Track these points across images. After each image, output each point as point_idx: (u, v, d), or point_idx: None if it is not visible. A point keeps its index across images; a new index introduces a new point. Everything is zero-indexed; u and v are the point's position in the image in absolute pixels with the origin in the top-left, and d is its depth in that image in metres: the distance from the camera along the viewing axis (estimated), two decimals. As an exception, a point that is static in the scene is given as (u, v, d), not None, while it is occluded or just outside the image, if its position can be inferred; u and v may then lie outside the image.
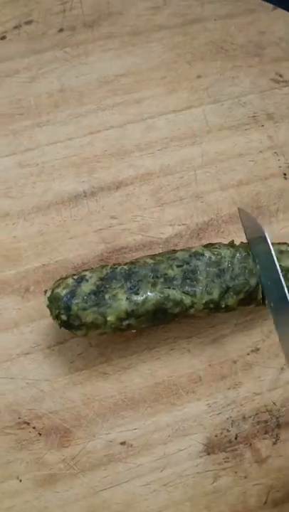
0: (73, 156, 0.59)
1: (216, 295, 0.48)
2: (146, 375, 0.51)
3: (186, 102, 0.62)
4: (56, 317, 0.47)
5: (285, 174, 0.60)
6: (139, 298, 0.47)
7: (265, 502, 0.48)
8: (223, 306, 0.48)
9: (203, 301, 0.48)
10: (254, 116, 0.62)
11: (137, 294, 0.47)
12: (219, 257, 0.49)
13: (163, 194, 0.58)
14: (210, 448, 0.49)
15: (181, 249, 0.51)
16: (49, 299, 0.47)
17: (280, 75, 0.64)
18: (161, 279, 0.48)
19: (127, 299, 0.47)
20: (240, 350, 0.52)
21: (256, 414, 0.50)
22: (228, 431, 0.50)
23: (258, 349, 0.52)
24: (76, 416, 0.50)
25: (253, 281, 0.48)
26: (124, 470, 0.48)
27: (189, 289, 0.48)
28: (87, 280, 0.48)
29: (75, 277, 0.48)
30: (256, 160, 0.60)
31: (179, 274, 0.48)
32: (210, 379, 0.51)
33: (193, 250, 0.50)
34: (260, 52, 0.65)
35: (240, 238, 0.55)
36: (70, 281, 0.47)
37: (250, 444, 0.50)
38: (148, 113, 0.61)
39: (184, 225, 0.57)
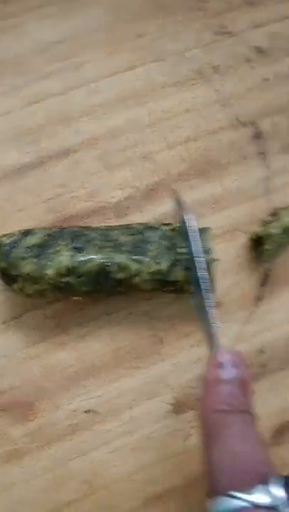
0: (16, 128, 0.57)
1: (164, 266, 0.46)
2: (106, 340, 0.50)
3: (128, 62, 0.60)
4: None
5: (234, 126, 0.58)
6: (83, 257, 0.45)
7: (237, 456, 0.47)
8: (170, 280, 0.46)
9: (150, 270, 0.46)
10: (199, 71, 0.60)
11: (80, 252, 0.46)
12: (174, 232, 0.48)
13: (110, 158, 0.57)
14: (178, 407, 0.48)
15: (139, 223, 0.49)
16: None
17: (223, 27, 0.62)
18: (110, 243, 0.46)
19: (71, 256, 0.45)
20: (201, 306, 0.51)
21: (221, 369, 0.49)
22: (194, 389, 0.48)
23: (220, 304, 0.51)
24: (38, 389, 0.48)
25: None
26: (91, 438, 0.47)
27: (137, 256, 0.46)
28: (33, 234, 0.47)
29: (23, 231, 0.47)
30: (204, 115, 0.59)
31: (129, 241, 0.47)
32: (172, 339, 0.50)
33: (150, 225, 0.49)
34: (203, 6, 0.63)
35: (191, 196, 0.53)
36: (16, 232, 0.47)
37: (218, 400, 0.48)
38: (90, 77, 0.60)
39: (133, 187, 0.55)
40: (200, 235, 0.48)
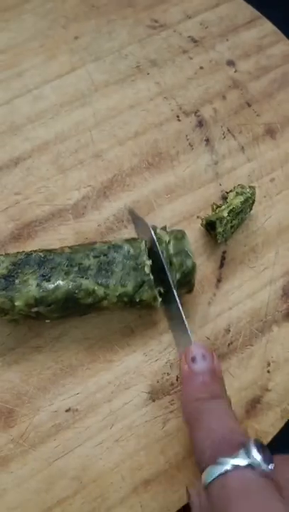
0: None
1: (130, 288, 0.47)
2: (80, 339, 0.51)
3: (68, 65, 0.61)
4: None
5: (178, 116, 0.60)
6: (50, 285, 0.46)
7: (217, 433, 0.48)
8: (137, 300, 0.47)
9: (117, 294, 0.47)
10: (138, 66, 0.62)
11: (48, 281, 0.46)
12: (138, 250, 0.48)
13: (63, 160, 0.58)
14: (154, 394, 0.49)
15: (101, 241, 0.50)
16: None
17: (156, 21, 0.63)
18: (76, 268, 0.47)
19: (38, 285, 0.46)
20: (166, 294, 0.52)
21: (192, 352, 0.50)
22: (168, 374, 0.50)
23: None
24: (17, 395, 0.49)
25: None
26: (74, 435, 0.48)
27: (103, 280, 0.47)
28: None
29: None
30: (148, 108, 0.60)
31: (94, 264, 0.47)
32: (142, 329, 0.52)
33: (113, 243, 0.49)
34: (132, 2, 0.65)
35: (145, 189, 0.55)
36: None
37: (192, 382, 0.49)
38: (32, 84, 0.61)
39: (89, 186, 0.56)
40: (178, 239, 0.50)
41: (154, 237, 0.49)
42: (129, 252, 0.48)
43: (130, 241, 0.49)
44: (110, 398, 0.49)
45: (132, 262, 0.48)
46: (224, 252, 0.54)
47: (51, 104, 0.60)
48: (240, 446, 0.34)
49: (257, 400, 0.49)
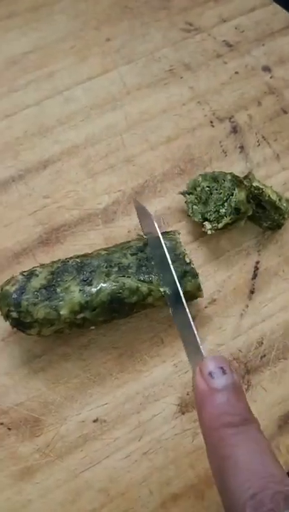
0: (-7, 143, 0.56)
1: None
2: (108, 347, 0.50)
3: (99, 67, 0.60)
4: (6, 316, 0.45)
5: (211, 122, 0.58)
6: (93, 289, 0.45)
7: (248, 449, 0.47)
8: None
9: (161, 288, 0.46)
10: (171, 70, 0.60)
11: (90, 284, 0.45)
12: (174, 242, 0.48)
13: (93, 164, 0.56)
14: (184, 407, 0.48)
15: (135, 239, 0.49)
16: None
17: (190, 24, 0.62)
18: (115, 268, 0.46)
19: (80, 290, 0.45)
20: (198, 304, 0.51)
21: (224, 364, 0.49)
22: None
23: (214, 300, 0.51)
24: (43, 403, 0.48)
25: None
26: (102, 447, 0.47)
27: (145, 277, 0.46)
28: (37, 275, 0.46)
29: (25, 273, 0.46)
30: (181, 113, 0.59)
31: (133, 262, 0.47)
32: (171, 339, 0.50)
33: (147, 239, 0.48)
34: (166, 4, 0.63)
35: (176, 195, 0.54)
36: (19, 277, 0.46)
37: (223, 395, 0.48)
38: (63, 85, 0.60)
39: (119, 191, 0.55)
40: (169, 240, 0.48)
41: (158, 229, 0.46)
42: (166, 244, 0.47)
43: (164, 234, 0.48)
44: (139, 410, 0.48)
45: (171, 254, 0.47)
46: (257, 263, 0.53)
47: (82, 106, 0.59)
48: (286, 501, 0.27)
49: (290, 416, 0.48)
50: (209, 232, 0.51)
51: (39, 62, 0.60)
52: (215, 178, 0.51)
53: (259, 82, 0.60)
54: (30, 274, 0.46)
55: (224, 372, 0.34)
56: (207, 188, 0.51)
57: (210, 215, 0.51)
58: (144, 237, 0.50)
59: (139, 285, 0.45)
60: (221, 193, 0.50)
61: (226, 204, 0.50)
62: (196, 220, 0.52)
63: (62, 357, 0.49)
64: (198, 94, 0.59)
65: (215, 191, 0.51)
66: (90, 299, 0.45)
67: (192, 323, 0.40)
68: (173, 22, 0.63)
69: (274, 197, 0.51)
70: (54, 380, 0.49)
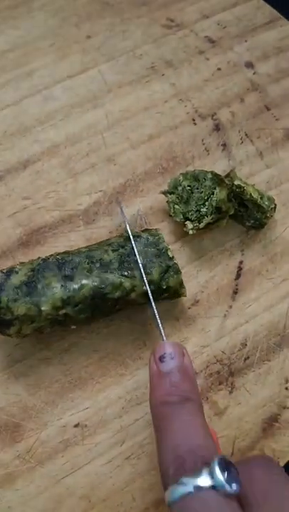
0: (-29, 143, 0.55)
1: (155, 275, 0.46)
2: (89, 351, 0.49)
3: (79, 65, 0.59)
4: None
5: (193, 120, 0.58)
6: (75, 284, 0.44)
7: (232, 453, 0.47)
8: (164, 287, 0.46)
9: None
10: (152, 67, 0.59)
11: (71, 280, 0.44)
12: (157, 237, 0.47)
13: (74, 164, 0.55)
14: (167, 411, 0.47)
15: (116, 236, 0.48)
16: None
17: (171, 20, 0.61)
18: (97, 264, 0.45)
19: (62, 286, 0.44)
20: (180, 305, 0.50)
21: (207, 366, 0.49)
22: (181, 390, 0.48)
23: (197, 301, 0.51)
24: (24, 408, 0.47)
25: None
26: (83, 452, 0.46)
27: (128, 272, 0.45)
28: (16, 272, 0.45)
29: (4, 270, 0.45)
30: (163, 111, 0.58)
31: (115, 258, 0.46)
32: (154, 342, 0.50)
33: (129, 234, 0.47)
34: (147, 0, 0.62)
35: (158, 194, 0.53)
36: None
37: (207, 398, 0.48)
38: (42, 84, 0.58)
39: (100, 191, 0.54)
40: (152, 235, 0.48)
41: (128, 227, 0.47)
42: (148, 239, 0.47)
43: (146, 231, 0.48)
44: (121, 414, 0.47)
45: (154, 249, 0.46)
46: (241, 263, 0.52)
47: (62, 105, 0.58)
48: (204, 464, 0.31)
49: (274, 418, 0.47)
50: (191, 232, 0.50)
51: (18, 60, 0.59)
52: (196, 176, 0.50)
53: (242, 79, 0.59)
54: (10, 271, 0.45)
55: (172, 357, 0.38)
56: (188, 187, 0.50)
57: (191, 214, 0.50)
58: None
59: (122, 280, 0.45)
60: (202, 192, 0.49)
61: (206, 203, 0.49)
62: (178, 220, 0.51)
63: (43, 361, 0.48)
64: (180, 92, 0.58)
65: (196, 190, 0.50)
66: (72, 295, 0.44)
67: (154, 305, 0.44)
68: (154, 18, 0.62)
69: (255, 195, 0.50)
70: (35, 384, 0.48)
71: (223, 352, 0.49)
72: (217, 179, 0.49)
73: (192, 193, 0.50)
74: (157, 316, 0.42)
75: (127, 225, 0.47)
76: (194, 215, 0.50)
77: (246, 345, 0.50)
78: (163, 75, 0.59)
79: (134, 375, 0.48)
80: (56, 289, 0.44)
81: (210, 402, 0.48)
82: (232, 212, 0.50)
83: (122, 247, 0.47)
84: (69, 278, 0.45)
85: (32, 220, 0.53)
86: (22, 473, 0.45)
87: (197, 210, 0.50)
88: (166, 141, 0.56)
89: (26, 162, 0.55)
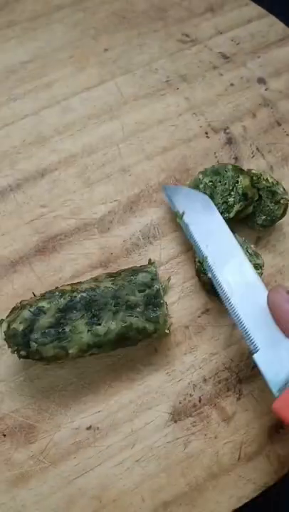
0: (-9, 152, 0.57)
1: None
2: (102, 356, 0.50)
3: (97, 77, 0.61)
4: (15, 351, 0.46)
5: (206, 133, 0.59)
6: (101, 328, 0.46)
7: (239, 458, 0.48)
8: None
9: (167, 326, 0.48)
10: (168, 81, 0.61)
11: (98, 324, 0.46)
12: (150, 276, 0.49)
13: (90, 174, 0.57)
14: (176, 416, 0.49)
15: (144, 270, 0.49)
16: (6, 333, 0.46)
17: (187, 35, 0.63)
18: (123, 307, 0.47)
19: (88, 330, 0.46)
20: (191, 314, 0.52)
21: (216, 373, 0.50)
22: (190, 395, 0.50)
23: (207, 310, 0.52)
24: (38, 410, 0.49)
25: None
26: (95, 454, 0.48)
27: (152, 315, 0.47)
28: (44, 312, 0.46)
29: (32, 309, 0.46)
30: (177, 124, 0.59)
31: (141, 299, 0.47)
32: (165, 348, 0.51)
33: (154, 271, 0.49)
34: (163, 15, 0.64)
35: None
36: (26, 314, 0.46)
37: (215, 404, 0.49)
38: (61, 95, 0.60)
39: (115, 201, 0.56)
40: (145, 277, 0.49)
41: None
42: (139, 280, 0.49)
43: (142, 268, 0.50)
44: (132, 418, 0.49)
45: (145, 288, 0.48)
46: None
47: (79, 116, 0.59)
48: None
49: (280, 425, 0.49)
50: None
51: (37, 71, 0.61)
52: (215, 171, 0.52)
53: (254, 94, 0.61)
54: (38, 311, 0.46)
55: None
56: (210, 183, 0.52)
57: (218, 208, 0.51)
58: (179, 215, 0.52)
59: (147, 325, 0.47)
60: (225, 184, 0.51)
61: (232, 193, 0.51)
62: None
63: (57, 365, 0.50)
64: (194, 106, 0.60)
65: (219, 184, 0.52)
66: (98, 340, 0.46)
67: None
68: (170, 33, 0.63)
69: (271, 180, 0.52)
70: (49, 387, 0.49)
71: (231, 360, 0.51)
72: (238, 168, 0.51)
73: (215, 187, 0.52)
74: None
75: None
76: (222, 207, 0.52)
77: (254, 353, 0.51)
78: (177, 88, 0.61)
79: (146, 380, 0.50)
80: (83, 334, 0.46)
81: (218, 408, 0.49)
82: (257, 197, 0.53)
83: (149, 287, 0.48)
84: (95, 321, 0.46)
85: (48, 228, 0.55)
86: (36, 473, 0.47)
87: (224, 202, 0.52)
88: (180, 153, 0.58)
89: (44, 171, 0.57)
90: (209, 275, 0.48)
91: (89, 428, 0.48)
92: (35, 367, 0.50)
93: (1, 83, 0.60)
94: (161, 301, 0.46)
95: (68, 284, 0.48)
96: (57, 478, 0.47)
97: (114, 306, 0.46)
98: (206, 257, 0.49)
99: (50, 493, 0.46)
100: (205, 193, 0.52)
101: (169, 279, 0.52)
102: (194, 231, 0.50)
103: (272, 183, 0.52)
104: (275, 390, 0.42)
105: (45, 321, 0.45)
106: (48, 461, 0.47)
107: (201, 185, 0.52)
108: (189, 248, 0.54)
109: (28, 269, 0.52)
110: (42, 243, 0.54)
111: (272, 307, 0.43)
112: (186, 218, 0.50)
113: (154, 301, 0.47)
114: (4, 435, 0.48)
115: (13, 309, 0.46)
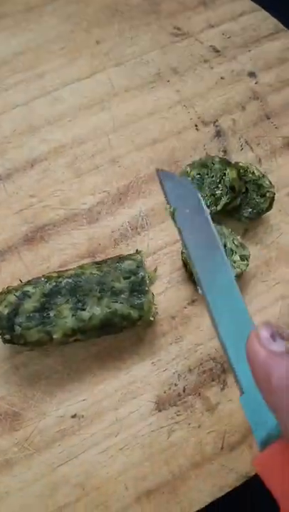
0: (-19, 141, 0.57)
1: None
2: (88, 345, 0.51)
3: (88, 68, 0.61)
4: None
5: (196, 126, 0.60)
6: (86, 313, 0.46)
7: (222, 448, 0.49)
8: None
9: (151, 313, 0.48)
10: (158, 73, 0.61)
11: (83, 309, 0.46)
12: (135, 263, 0.49)
13: (79, 164, 0.57)
14: (160, 405, 0.49)
15: (130, 258, 0.49)
16: None
17: (178, 28, 0.63)
18: (108, 293, 0.47)
19: (73, 315, 0.46)
20: (177, 304, 0.52)
21: (201, 364, 0.50)
22: (175, 385, 0.50)
23: (194, 301, 0.52)
24: (24, 398, 0.49)
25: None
26: (79, 442, 0.48)
27: (137, 302, 0.47)
28: (29, 296, 0.46)
29: (17, 293, 0.46)
30: (167, 116, 0.60)
31: (126, 286, 0.48)
32: (151, 337, 0.51)
33: (140, 259, 0.49)
34: (156, 8, 0.64)
35: (160, 197, 0.54)
36: (11, 298, 0.46)
37: (199, 394, 0.50)
38: (52, 86, 0.60)
39: (104, 192, 0.56)
40: (131, 265, 0.49)
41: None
42: (126, 267, 0.49)
43: (128, 256, 0.50)
44: (117, 406, 0.49)
45: (132, 276, 0.48)
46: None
47: (70, 107, 0.60)
48: None
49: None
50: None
51: (29, 63, 0.61)
52: (203, 163, 0.52)
53: (244, 88, 0.61)
54: (23, 295, 0.46)
55: (281, 337, 0.32)
56: (198, 176, 0.52)
57: (206, 200, 0.52)
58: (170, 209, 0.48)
59: (131, 312, 0.47)
60: (212, 176, 0.52)
61: (220, 185, 0.51)
62: None
63: (43, 353, 0.50)
64: (185, 98, 0.60)
65: (206, 176, 0.52)
66: (82, 325, 0.46)
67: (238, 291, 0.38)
68: (162, 26, 0.64)
69: (257, 173, 0.52)
70: (35, 375, 0.50)
71: (216, 350, 0.51)
72: (225, 161, 0.52)
73: (203, 179, 0.52)
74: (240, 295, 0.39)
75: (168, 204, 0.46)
76: (209, 200, 0.52)
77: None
78: (168, 81, 0.61)
79: (131, 369, 0.50)
80: (67, 319, 0.46)
81: (202, 398, 0.50)
82: (243, 190, 0.53)
83: (135, 274, 0.48)
84: (80, 307, 0.46)
85: (37, 218, 0.55)
86: (20, 460, 0.47)
87: (212, 195, 0.52)
88: (169, 145, 0.58)
89: (34, 161, 0.57)
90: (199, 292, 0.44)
91: (74, 416, 0.48)
92: (20, 355, 0.50)
93: (-7, 73, 0.60)
94: (146, 289, 0.46)
95: (54, 272, 0.48)
96: (41, 465, 0.47)
97: (99, 292, 0.46)
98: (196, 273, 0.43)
99: (34, 480, 0.47)
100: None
101: (155, 270, 0.52)
102: (185, 236, 0.45)
103: (259, 176, 0.52)
104: (258, 441, 0.34)
105: (30, 305, 0.45)
106: (33, 449, 0.47)
107: (189, 178, 0.52)
108: (177, 240, 0.54)
109: (17, 258, 0.52)
110: (30, 233, 0.54)
111: (247, 355, 0.33)
112: (177, 216, 0.47)
113: (139, 288, 0.47)
114: (-11, 422, 0.48)
115: (0, 294, 0.46)
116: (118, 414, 0.49)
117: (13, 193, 0.55)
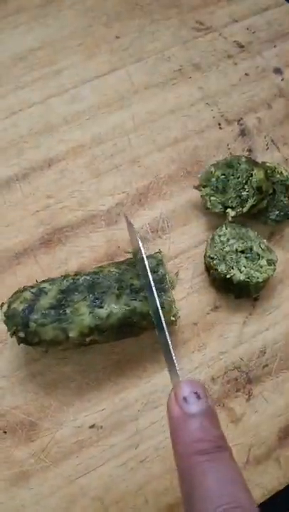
0: (-3, 140, 0.55)
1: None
2: (108, 352, 0.49)
3: (107, 65, 0.59)
4: (13, 334, 0.44)
5: (219, 124, 0.57)
6: (103, 311, 0.44)
7: (247, 461, 0.46)
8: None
9: (173, 313, 0.45)
10: (180, 69, 0.59)
11: (100, 307, 0.44)
12: (156, 261, 0.47)
13: (98, 164, 0.55)
14: (183, 416, 0.47)
15: (150, 256, 0.47)
16: (5, 314, 0.44)
17: (201, 23, 0.61)
18: (127, 290, 0.45)
19: (90, 313, 0.44)
20: (200, 311, 0.50)
21: (225, 373, 0.48)
22: (198, 395, 0.47)
23: (217, 307, 0.50)
24: (40, 407, 0.47)
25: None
26: (98, 454, 0.46)
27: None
28: (46, 293, 0.44)
29: (33, 290, 0.44)
30: (189, 114, 0.58)
31: (146, 284, 0.45)
32: (173, 345, 0.49)
33: (160, 257, 0.47)
34: (177, 2, 0.62)
35: (181, 198, 0.52)
36: (27, 294, 0.44)
37: (223, 405, 0.48)
38: (70, 83, 0.58)
39: (123, 192, 0.54)
40: (151, 263, 0.46)
41: (142, 249, 0.44)
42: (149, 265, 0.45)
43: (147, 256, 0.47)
44: (137, 417, 0.47)
45: (153, 275, 0.45)
46: (263, 270, 0.52)
47: (88, 105, 0.58)
48: None
49: (291, 428, 0.47)
50: (230, 219, 0.50)
51: (46, 59, 0.59)
52: (228, 163, 0.50)
53: (270, 85, 0.59)
54: (39, 292, 0.44)
55: (199, 397, 0.33)
56: (223, 176, 0.50)
57: (231, 202, 0.50)
58: (129, 252, 0.50)
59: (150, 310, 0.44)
60: (238, 177, 0.49)
61: (246, 186, 0.49)
62: (217, 210, 0.50)
63: (60, 361, 0.48)
64: (207, 95, 0.58)
65: (231, 177, 0.50)
66: (100, 323, 0.43)
67: (170, 345, 0.38)
68: (183, 21, 0.61)
69: (286, 174, 0.50)
70: (52, 384, 0.48)
71: (241, 359, 0.49)
72: (252, 161, 0.49)
73: (228, 180, 0.50)
74: (172, 352, 0.38)
75: (140, 245, 0.44)
76: (235, 202, 0.50)
77: (265, 352, 0.49)
78: (190, 77, 0.59)
79: (152, 378, 0.48)
80: (84, 316, 0.44)
81: (226, 409, 0.47)
82: (271, 191, 0.51)
83: (154, 272, 0.46)
84: (98, 304, 0.44)
85: (54, 219, 0.53)
86: (36, 472, 0.45)
87: (237, 196, 0.50)
88: (192, 144, 0.56)
89: (51, 161, 0.55)
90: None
91: (92, 426, 0.47)
92: (37, 363, 0.48)
93: (9, 70, 0.58)
94: (167, 286, 0.44)
95: (72, 272, 0.46)
96: (58, 477, 0.45)
97: (118, 290, 0.44)
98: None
99: (51, 492, 0.45)
100: (217, 186, 0.50)
101: (177, 274, 0.50)
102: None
103: (287, 176, 0.50)
104: None
105: (45, 301, 0.43)
106: (49, 460, 0.46)
107: (213, 179, 0.50)
108: (199, 243, 0.52)
109: (33, 262, 0.51)
110: (47, 235, 0.52)
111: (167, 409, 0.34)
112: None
113: (159, 286, 0.44)
114: (5, 432, 0.46)
115: (16, 293, 0.45)
116: (138, 424, 0.47)
117: (29, 194, 0.53)
